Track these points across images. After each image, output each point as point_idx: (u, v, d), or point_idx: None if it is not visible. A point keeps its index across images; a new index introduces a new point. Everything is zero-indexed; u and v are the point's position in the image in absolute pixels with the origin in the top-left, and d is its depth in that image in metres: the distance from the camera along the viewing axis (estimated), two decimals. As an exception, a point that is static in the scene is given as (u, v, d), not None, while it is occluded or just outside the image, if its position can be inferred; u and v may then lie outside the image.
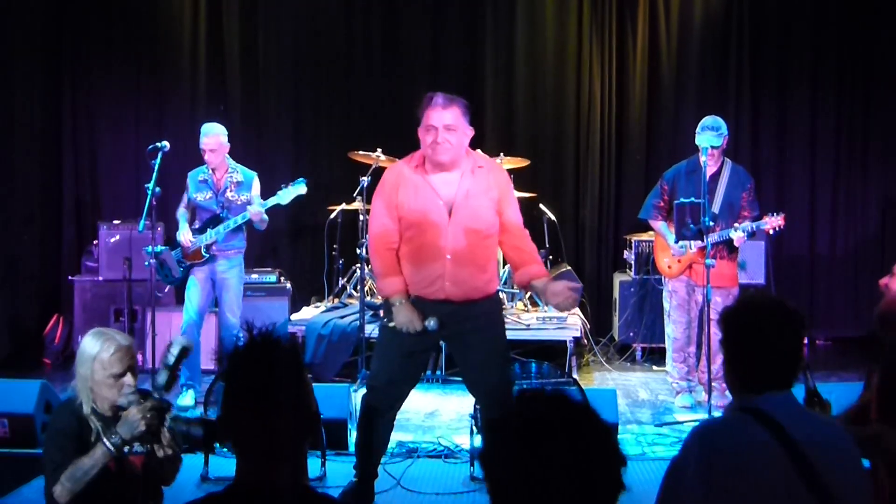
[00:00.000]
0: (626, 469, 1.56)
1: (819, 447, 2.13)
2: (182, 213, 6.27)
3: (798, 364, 2.30)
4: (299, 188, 6.13)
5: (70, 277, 7.51)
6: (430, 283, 3.95)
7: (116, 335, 3.18)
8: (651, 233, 7.46)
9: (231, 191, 6.17)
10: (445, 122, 3.86)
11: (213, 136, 6.13)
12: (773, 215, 5.69)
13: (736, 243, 5.72)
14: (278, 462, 1.80)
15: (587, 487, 1.49)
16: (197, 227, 6.17)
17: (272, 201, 6.11)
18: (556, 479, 1.48)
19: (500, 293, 4.26)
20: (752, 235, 5.85)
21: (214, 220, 6.13)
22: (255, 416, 1.79)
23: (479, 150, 4.33)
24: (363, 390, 6.03)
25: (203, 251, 6.10)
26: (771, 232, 5.75)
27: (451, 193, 3.95)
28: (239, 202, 6.16)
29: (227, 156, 6.24)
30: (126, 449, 3.00)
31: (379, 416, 4.11)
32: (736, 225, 5.67)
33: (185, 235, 6.10)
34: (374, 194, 4.10)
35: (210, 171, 6.18)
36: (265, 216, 6.10)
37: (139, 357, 7.04)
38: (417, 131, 3.97)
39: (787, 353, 2.27)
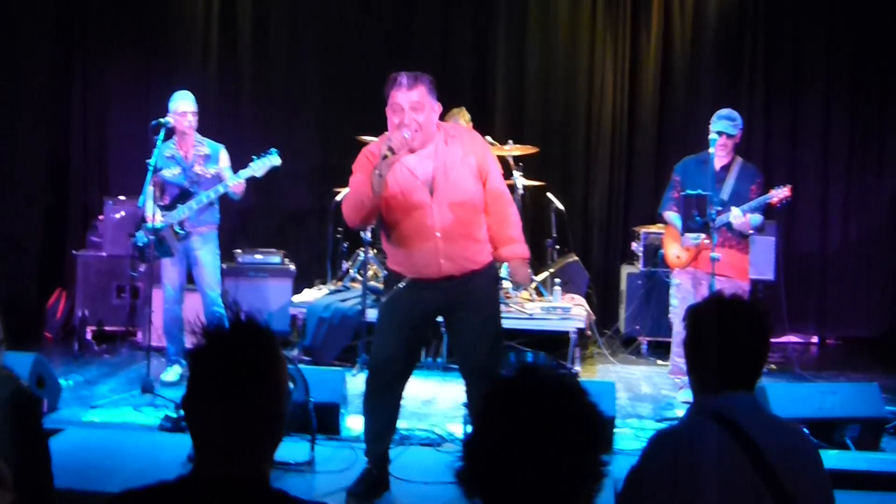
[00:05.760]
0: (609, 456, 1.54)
1: (781, 452, 2.06)
2: (149, 190, 6.05)
3: (761, 364, 2.24)
4: (272, 159, 5.95)
5: (74, 252, 7.47)
6: (426, 263, 3.91)
7: None
8: (660, 225, 7.38)
9: (199, 165, 6.05)
10: (412, 100, 3.77)
11: (191, 100, 6.03)
12: (778, 188, 5.60)
13: (735, 224, 5.63)
14: (235, 456, 1.71)
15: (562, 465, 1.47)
16: (166, 203, 6.01)
17: (245, 173, 5.93)
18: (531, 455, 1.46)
19: (495, 265, 4.22)
20: (763, 218, 5.79)
21: (184, 196, 6.01)
22: (215, 406, 1.70)
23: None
24: (363, 375, 6.06)
25: (177, 228, 5.98)
26: (778, 204, 5.65)
27: (428, 171, 3.88)
28: (208, 176, 6.04)
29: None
30: None
31: (381, 398, 4.07)
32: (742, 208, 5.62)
33: (152, 215, 5.90)
34: (353, 171, 3.95)
35: (177, 147, 6.05)
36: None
37: (139, 335, 7.10)
38: (385, 111, 3.87)
39: (748, 350, 2.21)
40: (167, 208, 5.99)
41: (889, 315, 8.12)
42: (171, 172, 6.02)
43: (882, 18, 7.95)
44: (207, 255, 6.10)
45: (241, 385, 1.69)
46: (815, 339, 8.18)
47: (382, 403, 4.07)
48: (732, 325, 2.20)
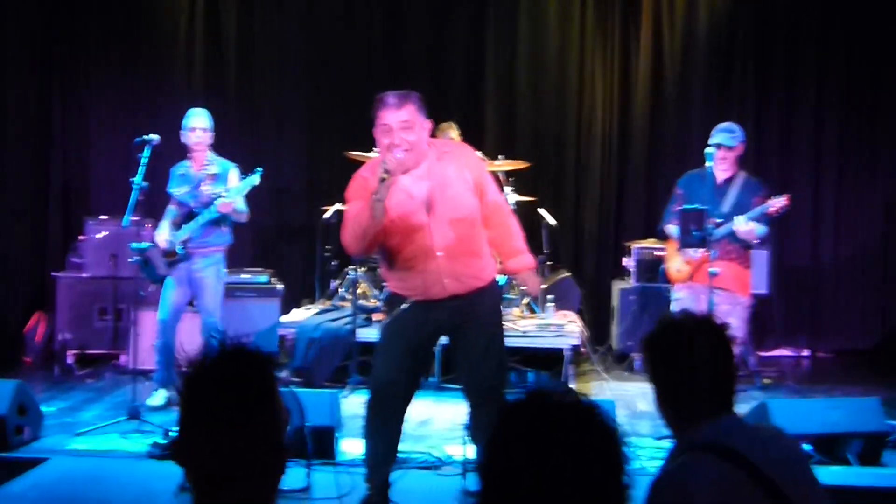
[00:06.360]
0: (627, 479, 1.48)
1: (778, 465, 1.97)
2: (170, 209, 6.03)
3: (734, 382, 2.13)
4: (253, 178, 5.82)
5: (54, 273, 7.30)
6: (430, 284, 3.84)
7: None
8: (652, 240, 7.32)
9: (206, 184, 5.91)
10: (401, 119, 3.70)
11: (202, 116, 5.92)
12: (776, 197, 5.60)
13: (740, 233, 5.61)
14: (235, 489, 1.60)
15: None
16: (177, 223, 5.95)
17: (231, 194, 5.82)
18: (556, 485, 1.39)
19: (497, 281, 4.18)
20: (767, 229, 5.77)
21: (190, 216, 5.89)
22: (211, 436, 1.59)
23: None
24: (354, 396, 5.93)
25: (178, 248, 5.85)
26: (776, 214, 5.63)
27: (424, 190, 3.80)
28: (213, 196, 5.89)
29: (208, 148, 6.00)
30: None
31: (383, 422, 3.96)
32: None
33: (160, 235, 5.85)
34: (348, 199, 3.89)
35: (190, 165, 5.95)
36: (238, 207, 5.84)
37: (122, 358, 6.93)
38: (373, 132, 3.78)
39: (723, 371, 2.11)
40: (177, 228, 5.90)
41: (880, 327, 8.10)
42: (180, 191, 5.94)
43: (873, 30, 7.97)
44: (210, 278, 5.93)
45: (237, 412, 1.59)
46: (806, 353, 8.15)
47: (384, 427, 3.97)
48: (695, 347, 2.08)
